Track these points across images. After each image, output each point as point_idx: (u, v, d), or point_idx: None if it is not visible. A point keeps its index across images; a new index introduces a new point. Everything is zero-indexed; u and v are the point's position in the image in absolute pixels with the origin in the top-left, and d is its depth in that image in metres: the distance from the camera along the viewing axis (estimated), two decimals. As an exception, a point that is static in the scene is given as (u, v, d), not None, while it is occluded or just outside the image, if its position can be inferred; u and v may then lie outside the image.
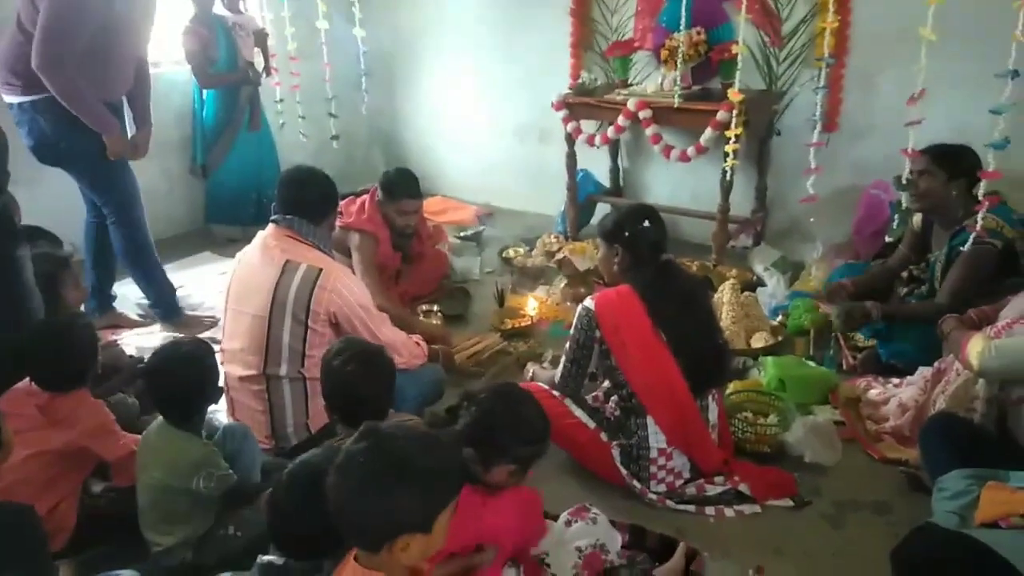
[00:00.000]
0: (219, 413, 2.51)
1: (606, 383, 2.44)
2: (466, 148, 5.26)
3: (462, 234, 4.62)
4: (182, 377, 1.96)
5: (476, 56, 4.99)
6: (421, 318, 3.33)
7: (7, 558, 1.60)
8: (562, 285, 3.65)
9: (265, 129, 4.52)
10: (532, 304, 3.47)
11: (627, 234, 2.25)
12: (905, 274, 3.06)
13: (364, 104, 4.27)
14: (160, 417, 2.01)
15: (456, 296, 3.72)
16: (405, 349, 2.50)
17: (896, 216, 3.41)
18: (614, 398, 2.33)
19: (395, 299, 3.34)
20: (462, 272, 4.03)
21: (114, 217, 3.16)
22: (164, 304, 3.39)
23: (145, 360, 2.26)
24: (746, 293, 3.30)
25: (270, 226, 2.43)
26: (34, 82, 2.77)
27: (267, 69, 4.45)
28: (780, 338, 3.07)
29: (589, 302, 2.25)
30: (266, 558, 1.47)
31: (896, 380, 2.70)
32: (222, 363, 2.43)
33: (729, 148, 2.91)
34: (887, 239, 3.44)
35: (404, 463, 1.22)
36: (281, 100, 4.45)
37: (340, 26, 4.20)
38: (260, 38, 4.45)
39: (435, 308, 3.43)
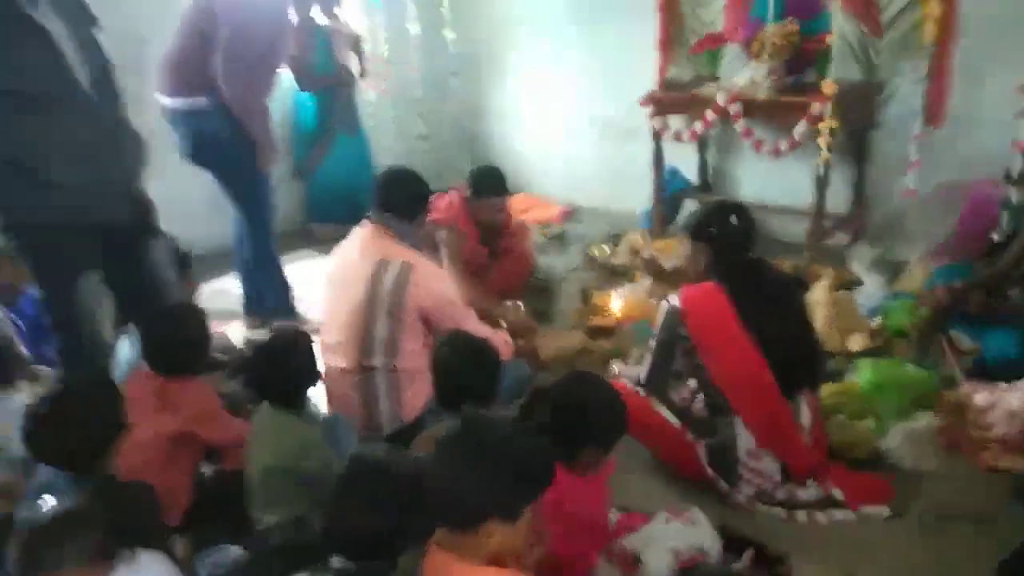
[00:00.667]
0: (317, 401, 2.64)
1: (692, 381, 2.42)
2: (551, 146, 5.28)
3: (547, 232, 4.65)
4: (286, 361, 2.10)
5: (561, 54, 5.00)
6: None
7: (128, 531, 1.74)
8: (647, 283, 3.62)
9: (360, 131, 4.67)
10: (617, 302, 3.45)
11: (713, 231, 2.22)
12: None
13: (451, 104, 4.38)
14: (265, 402, 2.13)
15: (541, 294, 3.75)
16: (491, 342, 2.55)
17: (1007, 213, 3.22)
18: (700, 396, 2.31)
19: (481, 293, 3.40)
20: (546, 270, 4.05)
21: (250, 221, 3.34)
22: (281, 303, 3.55)
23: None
24: (841, 292, 3.19)
25: (366, 223, 2.54)
26: (199, 87, 2.92)
27: (362, 72, 4.58)
28: (879, 341, 2.95)
29: (674, 299, 2.24)
30: (336, 564, 1.46)
31: (1004, 385, 2.55)
32: (320, 353, 2.55)
33: (823, 142, 2.83)
34: (995, 238, 3.25)
35: (501, 450, 1.27)
36: (373, 103, 4.62)
37: (430, 28, 4.30)
38: (355, 43, 4.60)
39: (520, 304, 3.47)
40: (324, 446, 2.06)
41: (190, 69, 2.92)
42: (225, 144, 3.05)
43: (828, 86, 2.78)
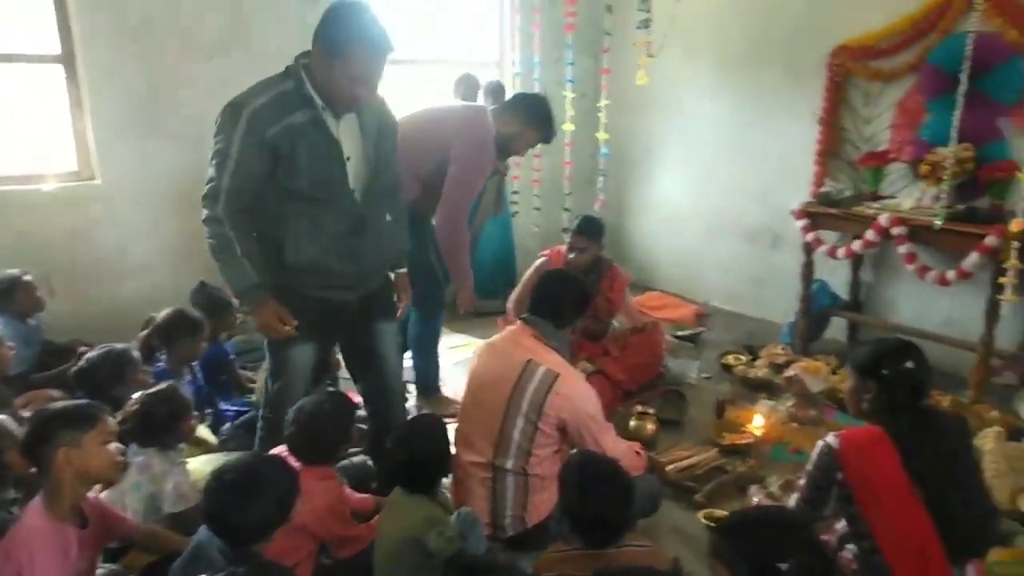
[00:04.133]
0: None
1: (841, 524, 2.24)
2: (691, 246, 5.24)
3: (680, 333, 4.55)
4: (423, 448, 2.16)
5: (712, 156, 5.00)
6: (634, 421, 3.29)
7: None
8: (789, 404, 3.44)
9: (506, 217, 4.82)
10: (758, 421, 3.30)
11: (885, 372, 2.08)
12: None
13: (599, 201, 4.45)
14: (398, 487, 2.17)
15: (671, 399, 3.64)
16: (626, 459, 2.47)
17: None
18: (852, 547, 2.13)
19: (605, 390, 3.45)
20: (678, 374, 3.95)
21: (422, 313, 3.50)
22: (427, 381, 3.66)
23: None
24: (1013, 443, 2.90)
25: (518, 323, 2.56)
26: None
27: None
28: (1054, 503, 2.64)
29: (832, 439, 2.09)
30: None
31: None
32: (454, 444, 2.58)
33: (1006, 281, 2.62)
34: None
35: None
36: (516, 192, 4.77)
37: (583, 127, 4.42)
38: None
39: (650, 411, 3.38)
40: (451, 526, 2.06)
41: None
42: (426, 268, 3.27)
43: (1018, 224, 2.58)
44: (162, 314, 3.08)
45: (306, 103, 2.16)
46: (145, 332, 3.18)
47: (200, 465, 2.55)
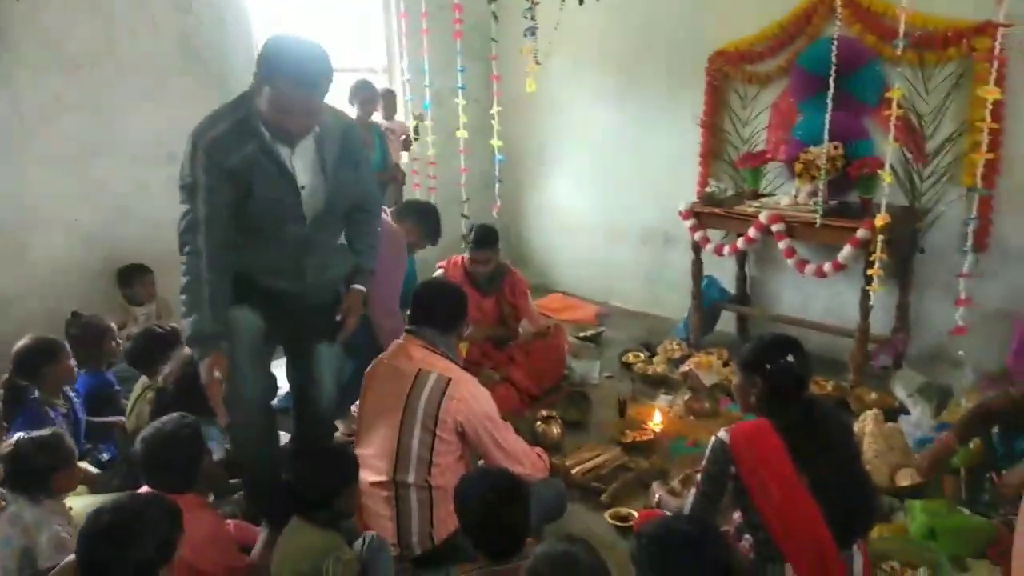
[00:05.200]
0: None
1: (737, 515, 2.33)
2: (589, 248, 5.34)
3: (581, 334, 4.63)
4: (318, 476, 2.14)
5: (603, 159, 5.11)
6: (540, 425, 3.32)
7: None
8: (685, 398, 3.56)
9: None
10: (657, 417, 3.39)
11: (768, 366, 2.17)
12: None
13: (496, 206, 4.46)
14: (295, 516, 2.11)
15: (575, 401, 3.69)
16: (527, 459, 2.50)
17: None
18: (748, 538, 2.21)
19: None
20: (581, 375, 4.01)
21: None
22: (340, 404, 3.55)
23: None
24: (889, 424, 3.10)
25: (404, 335, 2.54)
26: None
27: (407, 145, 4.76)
28: (928, 477, 2.84)
29: (724, 434, 2.16)
30: None
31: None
32: (355, 467, 2.52)
33: (873, 273, 2.80)
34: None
35: None
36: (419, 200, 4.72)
37: (477, 134, 4.42)
38: (405, 142, 4.76)
39: (554, 414, 3.42)
40: (347, 551, 2.05)
41: None
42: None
43: (882, 219, 2.76)
44: (15, 349, 2.84)
45: (256, 133, 2.15)
46: (5, 375, 2.92)
47: (84, 507, 2.37)
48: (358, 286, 2.54)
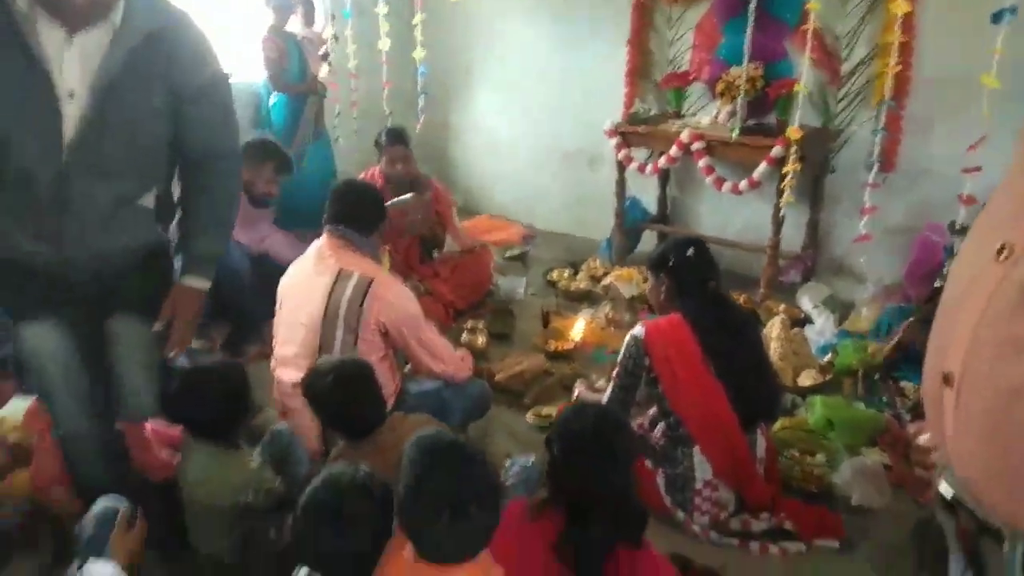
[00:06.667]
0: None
1: (652, 410, 2.44)
2: (515, 169, 5.32)
3: (508, 254, 4.66)
4: (211, 400, 1.91)
5: (530, 79, 5.06)
6: (465, 335, 3.36)
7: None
8: (607, 310, 3.65)
9: (325, 141, 4.62)
10: (578, 327, 3.47)
11: (672, 263, 2.26)
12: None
13: (420, 122, 4.38)
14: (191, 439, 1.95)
15: (501, 316, 3.74)
16: (451, 359, 2.54)
17: (949, 261, 3.36)
18: (661, 426, 2.33)
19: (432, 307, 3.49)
20: (507, 292, 4.05)
21: None
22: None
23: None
24: (795, 330, 3.27)
25: (324, 235, 2.49)
26: None
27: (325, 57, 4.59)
28: (828, 377, 3.03)
29: (638, 330, 2.25)
30: (302, 572, 1.46)
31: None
32: (274, 368, 2.49)
33: (786, 185, 2.91)
34: (937, 284, 3.39)
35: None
36: (339, 114, 4.58)
37: (399, 46, 4.30)
38: (325, 56, 4.58)
39: (480, 325, 3.46)
40: (266, 478, 1.95)
41: None
42: None
43: (794, 131, 2.86)
44: None
45: None
46: None
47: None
48: (191, 280, 1.90)
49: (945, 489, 1.04)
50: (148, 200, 1.82)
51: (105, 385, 1.88)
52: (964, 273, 0.96)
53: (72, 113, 1.59)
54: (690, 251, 2.27)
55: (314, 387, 1.96)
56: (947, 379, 0.92)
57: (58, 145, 1.59)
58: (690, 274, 2.27)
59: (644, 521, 1.57)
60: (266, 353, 2.66)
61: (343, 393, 1.92)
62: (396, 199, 3.44)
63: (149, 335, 1.86)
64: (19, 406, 2.27)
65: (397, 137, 3.66)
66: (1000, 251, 0.87)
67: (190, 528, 1.95)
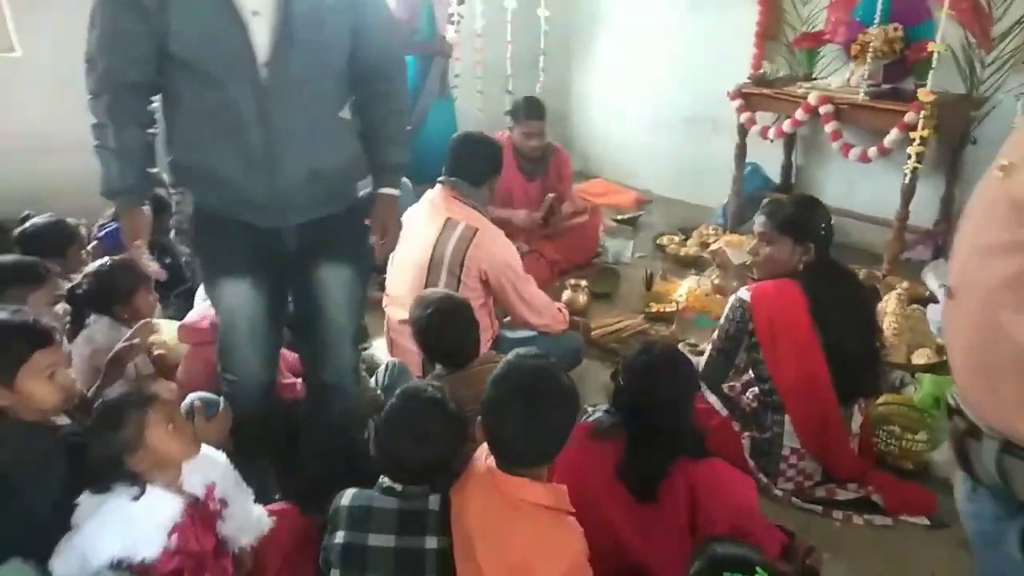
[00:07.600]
0: (380, 351, 2.78)
1: (748, 374, 2.42)
2: (634, 133, 5.28)
3: (619, 217, 4.66)
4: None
5: (653, 40, 4.98)
6: (567, 292, 3.42)
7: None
8: (714, 276, 3.61)
9: (449, 101, 4.76)
10: (682, 290, 3.46)
11: (823, 229, 2.19)
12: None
13: (540, 83, 4.43)
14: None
15: (605, 275, 3.78)
16: (548, 312, 2.63)
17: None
18: (753, 390, 2.32)
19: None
20: (614, 254, 4.08)
21: None
22: None
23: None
24: (914, 306, 3.11)
25: (437, 186, 2.64)
26: None
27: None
28: (943, 358, 2.87)
29: (744, 293, 2.23)
30: (386, 482, 1.58)
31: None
32: (386, 306, 2.68)
33: (912, 150, 2.76)
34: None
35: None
36: (458, 75, 4.71)
37: (526, 5, 4.34)
38: (451, 17, 4.70)
39: (583, 283, 3.51)
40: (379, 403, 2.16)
41: None
42: None
43: (925, 94, 2.69)
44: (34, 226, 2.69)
45: None
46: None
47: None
48: (388, 189, 1.93)
49: (950, 399, 1.12)
50: (346, 112, 1.84)
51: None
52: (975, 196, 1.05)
53: (260, 30, 1.61)
54: (825, 213, 2.22)
55: (416, 316, 2.11)
56: (949, 293, 1.03)
57: (252, 64, 1.61)
58: (818, 239, 2.18)
59: (702, 441, 1.66)
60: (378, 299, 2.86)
61: (440, 322, 2.05)
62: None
63: (356, 278, 1.94)
64: (171, 326, 2.54)
65: (536, 111, 3.62)
66: (1002, 169, 0.96)
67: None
